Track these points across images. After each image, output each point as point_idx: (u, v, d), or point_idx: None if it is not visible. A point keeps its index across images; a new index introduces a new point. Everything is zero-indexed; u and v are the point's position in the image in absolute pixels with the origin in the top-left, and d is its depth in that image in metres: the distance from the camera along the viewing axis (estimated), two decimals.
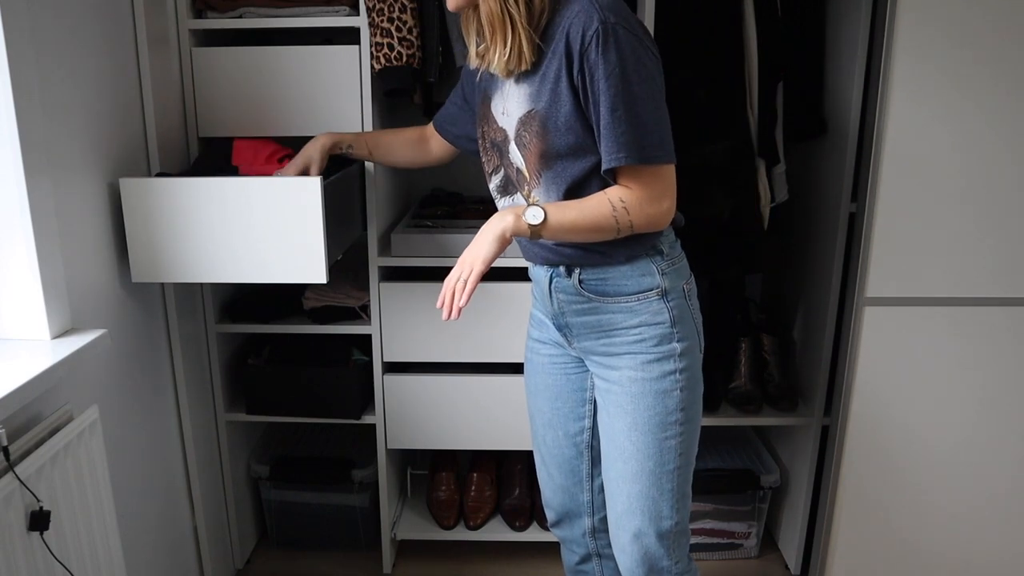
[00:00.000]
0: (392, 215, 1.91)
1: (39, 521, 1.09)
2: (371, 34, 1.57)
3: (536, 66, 1.15)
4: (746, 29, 1.65)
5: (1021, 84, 1.51)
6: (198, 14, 1.65)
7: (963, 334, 1.64)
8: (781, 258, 2.03)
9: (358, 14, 1.59)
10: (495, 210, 1.58)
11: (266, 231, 1.43)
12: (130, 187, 1.42)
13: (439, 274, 1.69)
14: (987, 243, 1.59)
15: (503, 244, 1.17)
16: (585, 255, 1.23)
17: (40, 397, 1.19)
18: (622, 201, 1.14)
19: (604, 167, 1.13)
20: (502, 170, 1.29)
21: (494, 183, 1.32)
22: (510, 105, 1.21)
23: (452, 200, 2.03)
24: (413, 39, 1.57)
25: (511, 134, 1.22)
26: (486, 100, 1.28)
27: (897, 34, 1.48)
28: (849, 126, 1.63)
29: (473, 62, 1.24)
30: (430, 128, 1.50)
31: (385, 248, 1.77)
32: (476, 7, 1.17)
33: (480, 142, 1.33)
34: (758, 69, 1.66)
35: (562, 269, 1.26)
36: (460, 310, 1.17)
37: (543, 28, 1.15)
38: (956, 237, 1.59)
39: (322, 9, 1.61)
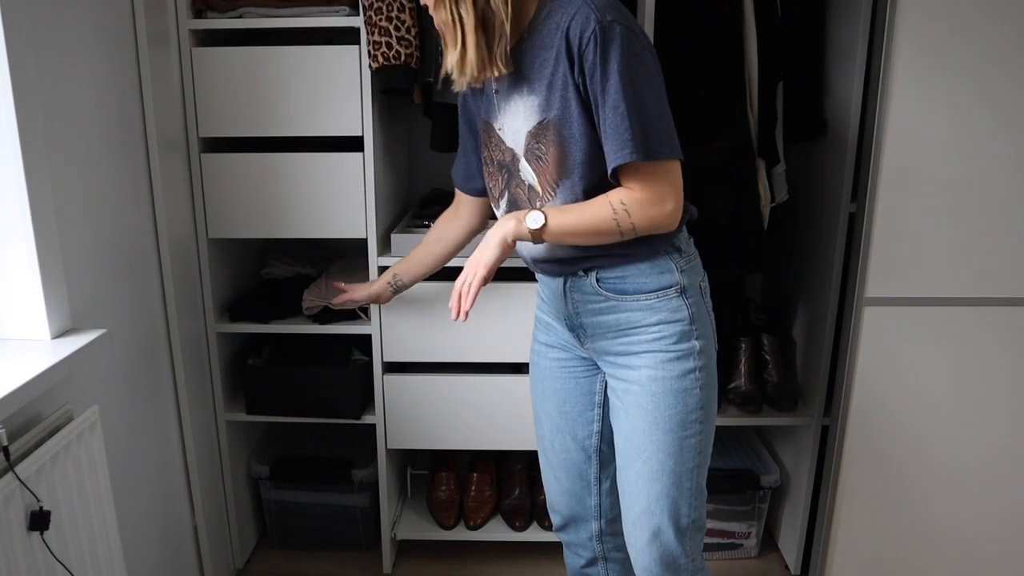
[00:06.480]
0: (392, 215, 1.91)
1: (39, 521, 1.09)
2: (368, 32, 1.56)
3: (539, 76, 1.15)
4: (746, 29, 1.65)
5: (1022, 84, 1.51)
6: (198, 14, 1.65)
7: (963, 334, 1.64)
8: (781, 258, 2.03)
9: (358, 14, 1.59)
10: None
11: (318, 195, 1.70)
12: (209, 160, 1.71)
13: (439, 274, 1.70)
14: (987, 243, 1.59)
15: (505, 249, 1.18)
16: (605, 258, 1.22)
17: (40, 397, 1.19)
18: (623, 203, 1.13)
19: (610, 166, 1.12)
20: (507, 192, 1.28)
21: (502, 208, 1.31)
22: (516, 122, 1.20)
23: (452, 200, 2.03)
24: (411, 39, 1.57)
25: (520, 151, 1.21)
26: (487, 123, 1.27)
27: (897, 34, 1.48)
28: (849, 126, 1.63)
29: (458, 85, 1.20)
30: (457, 197, 1.49)
31: (385, 248, 1.77)
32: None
33: (485, 167, 1.32)
34: (758, 69, 1.66)
35: (580, 271, 1.25)
36: (467, 313, 1.20)
37: (530, 35, 1.14)
38: (956, 237, 1.59)
39: (322, 9, 1.61)
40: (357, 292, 1.62)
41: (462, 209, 1.49)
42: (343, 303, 1.65)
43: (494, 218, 1.84)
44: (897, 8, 1.47)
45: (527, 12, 1.16)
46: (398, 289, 1.59)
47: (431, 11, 1.16)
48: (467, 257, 1.23)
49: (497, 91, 1.22)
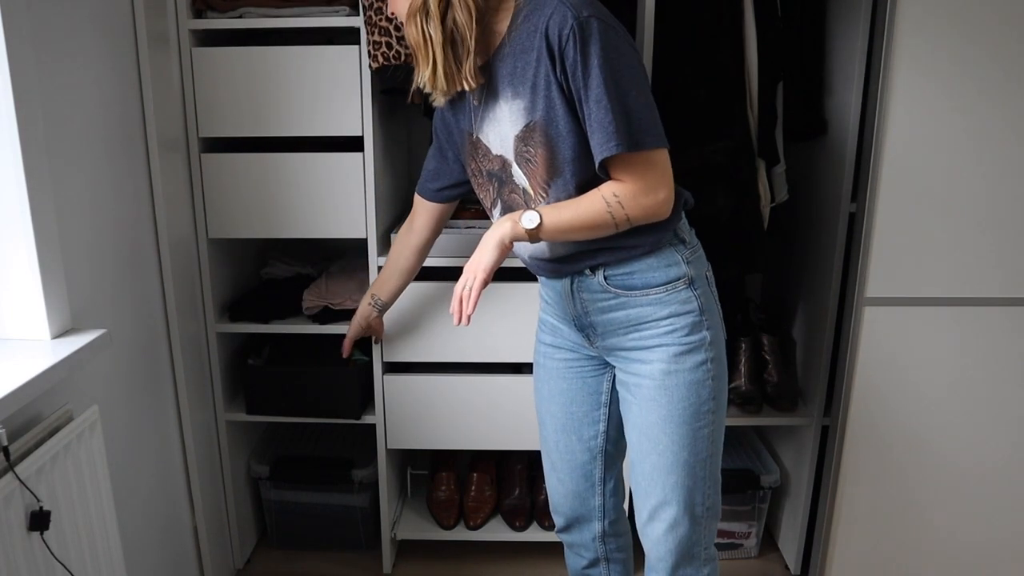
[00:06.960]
0: (392, 215, 1.91)
1: (39, 521, 1.09)
2: (368, 32, 1.56)
3: (522, 80, 1.15)
4: (746, 29, 1.65)
5: (1022, 83, 1.51)
6: (198, 14, 1.65)
7: (963, 334, 1.64)
8: (781, 258, 2.03)
9: (358, 14, 1.59)
10: None
11: (318, 195, 1.71)
12: (209, 160, 1.71)
13: (438, 274, 1.70)
14: (987, 243, 1.59)
15: (503, 251, 1.19)
16: (610, 253, 1.22)
17: (40, 397, 1.19)
18: (615, 195, 1.14)
19: (597, 160, 1.12)
20: (500, 201, 1.28)
21: (495, 217, 1.31)
22: (503, 128, 1.20)
23: None
24: None
25: (511, 156, 1.21)
26: (470, 135, 1.27)
27: (896, 34, 1.48)
28: (849, 126, 1.63)
29: (438, 101, 1.23)
30: (414, 207, 1.49)
31: (385, 248, 1.77)
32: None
33: (473, 179, 1.32)
34: (758, 69, 1.66)
35: (586, 271, 1.26)
36: (469, 317, 1.21)
37: (509, 40, 1.15)
38: (956, 237, 1.59)
39: (322, 9, 1.61)
40: (351, 331, 1.66)
41: (419, 221, 1.49)
42: (348, 345, 1.69)
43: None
44: (897, 7, 1.47)
45: (501, 21, 1.17)
46: (382, 308, 1.62)
47: (404, 28, 1.17)
48: (466, 258, 1.23)
49: (479, 102, 1.23)
